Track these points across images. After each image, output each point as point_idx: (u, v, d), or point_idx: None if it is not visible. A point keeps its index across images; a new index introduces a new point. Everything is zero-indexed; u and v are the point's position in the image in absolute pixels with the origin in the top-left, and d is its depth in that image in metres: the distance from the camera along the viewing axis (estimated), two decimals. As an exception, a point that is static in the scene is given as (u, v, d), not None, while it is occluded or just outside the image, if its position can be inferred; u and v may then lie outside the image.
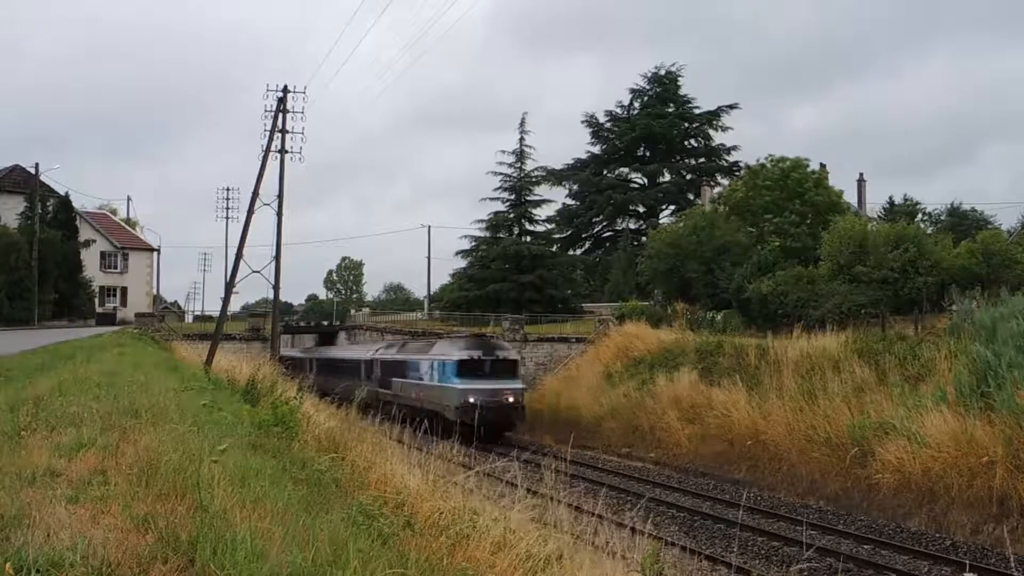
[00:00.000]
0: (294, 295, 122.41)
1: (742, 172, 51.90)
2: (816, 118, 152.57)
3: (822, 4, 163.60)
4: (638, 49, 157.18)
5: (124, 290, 67.32)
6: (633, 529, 11.41)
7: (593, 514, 11.41)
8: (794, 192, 41.76)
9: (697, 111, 70.15)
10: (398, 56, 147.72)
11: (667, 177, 69.31)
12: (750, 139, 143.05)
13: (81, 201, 65.82)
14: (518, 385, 33.52)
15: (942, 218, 51.58)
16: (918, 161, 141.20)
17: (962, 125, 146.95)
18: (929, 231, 41.74)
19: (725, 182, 60.82)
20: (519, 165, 60.66)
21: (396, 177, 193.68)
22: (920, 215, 51.85)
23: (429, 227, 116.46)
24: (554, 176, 68.12)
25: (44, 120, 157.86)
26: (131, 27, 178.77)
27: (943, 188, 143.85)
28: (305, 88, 41.83)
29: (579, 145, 73.59)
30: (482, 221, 61.42)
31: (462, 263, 63.72)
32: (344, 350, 56.39)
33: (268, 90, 34.25)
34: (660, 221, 63.47)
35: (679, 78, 70.47)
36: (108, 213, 75.29)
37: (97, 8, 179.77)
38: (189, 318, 75.60)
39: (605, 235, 72.33)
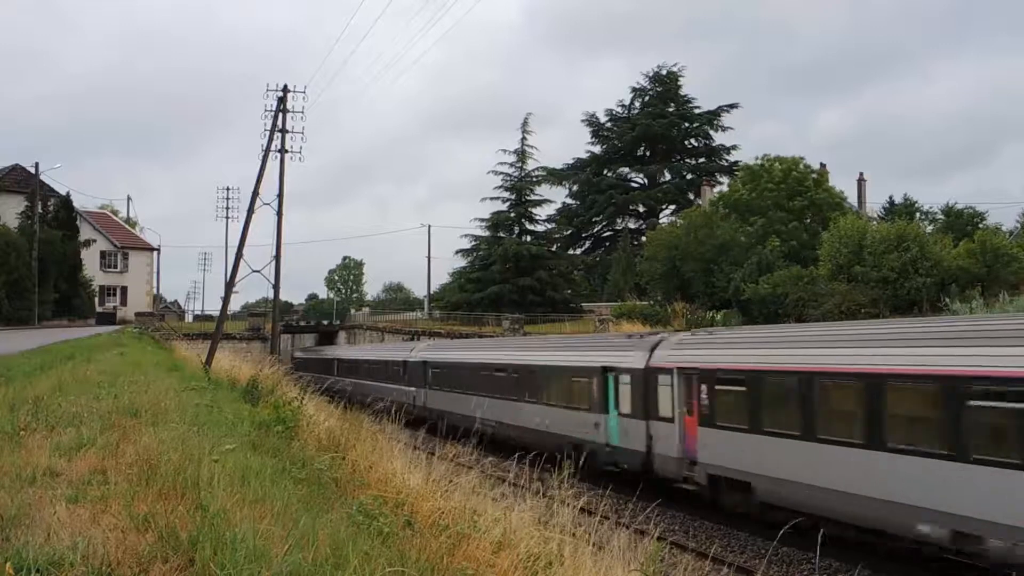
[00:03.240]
0: (294, 295, 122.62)
1: (740, 172, 51.82)
2: (840, 119, 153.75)
3: (853, 7, 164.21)
4: (671, 51, 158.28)
5: (124, 290, 67.33)
6: (635, 529, 11.41)
7: (594, 513, 11.41)
8: (794, 191, 41.76)
9: (697, 111, 70.19)
10: (402, 52, 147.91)
11: (667, 177, 69.31)
12: (772, 139, 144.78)
13: (82, 201, 65.95)
14: None
15: (938, 217, 51.55)
16: (938, 161, 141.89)
17: (985, 126, 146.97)
18: (928, 230, 41.73)
19: (725, 182, 60.82)
20: (520, 165, 60.71)
21: (412, 178, 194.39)
22: (919, 214, 51.81)
23: (429, 227, 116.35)
24: (554, 176, 68.14)
25: (45, 121, 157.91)
26: (134, 29, 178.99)
27: (961, 188, 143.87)
28: (305, 88, 41.95)
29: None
30: (483, 220, 61.47)
31: (462, 263, 63.80)
32: (510, 349, 28.14)
33: (268, 90, 34.35)
34: (660, 221, 63.46)
35: (680, 78, 70.55)
36: (108, 213, 75.30)
37: (104, 11, 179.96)
38: (189, 318, 75.58)
39: (605, 235, 72.33)
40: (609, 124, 71.50)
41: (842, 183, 53.84)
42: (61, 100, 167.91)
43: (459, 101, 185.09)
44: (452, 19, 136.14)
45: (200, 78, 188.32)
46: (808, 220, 41.43)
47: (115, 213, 77.32)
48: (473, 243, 62.08)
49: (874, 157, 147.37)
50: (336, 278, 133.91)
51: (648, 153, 70.32)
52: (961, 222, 46.51)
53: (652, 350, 18.89)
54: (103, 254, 66.27)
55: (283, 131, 34.50)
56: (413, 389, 32.62)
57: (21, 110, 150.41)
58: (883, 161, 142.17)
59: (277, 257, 33.35)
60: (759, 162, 45.20)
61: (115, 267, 67.42)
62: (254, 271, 32.30)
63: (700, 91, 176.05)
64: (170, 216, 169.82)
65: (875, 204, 54.59)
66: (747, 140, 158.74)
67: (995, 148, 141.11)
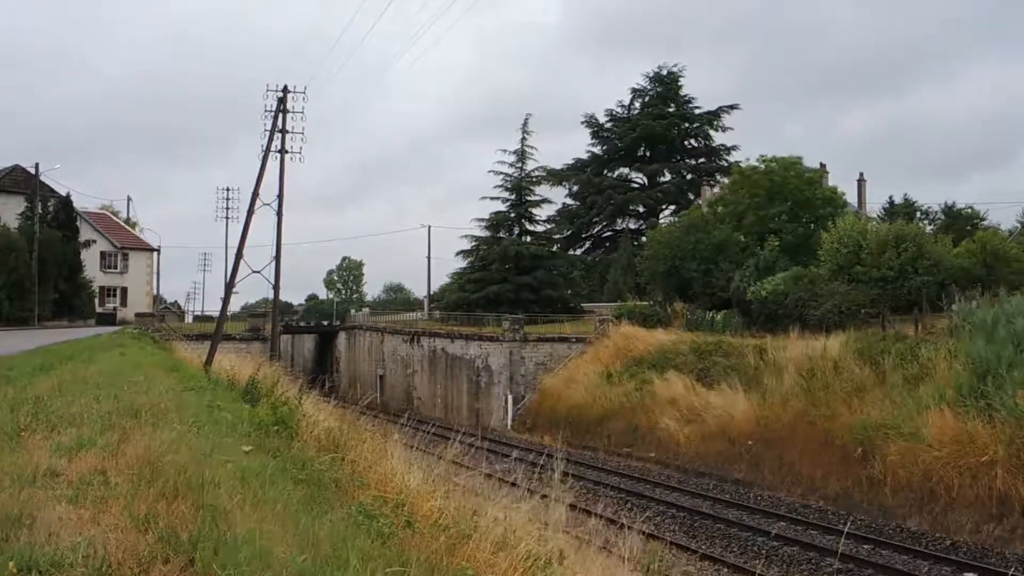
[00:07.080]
0: (294, 295, 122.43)
1: (732, 172, 51.60)
2: (863, 121, 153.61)
3: (879, 11, 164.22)
4: (700, 53, 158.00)
5: (124, 290, 67.31)
6: (632, 528, 11.41)
7: (593, 514, 11.42)
8: (784, 191, 41.51)
9: (697, 111, 70.23)
10: (402, 47, 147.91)
11: (667, 177, 69.30)
12: (794, 141, 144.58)
13: (82, 201, 65.92)
14: None
15: (940, 217, 51.53)
16: (956, 164, 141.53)
17: (1005, 128, 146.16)
18: (928, 230, 41.67)
19: (725, 182, 60.71)
20: (520, 165, 60.74)
21: (430, 179, 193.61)
22: (919, 214, 51.77)
23: (429, 227, 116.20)
24: (554, 176, 68.14)
25: (46, 122, 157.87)
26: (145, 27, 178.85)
27: (980, 190, 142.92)
28: (305, 88, 41.61)
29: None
30: (482, 220, 61.48)
31: (462, 263, 63.80)
32: None
33: (268, 90, 34.22)
34: (660, 221, 63.45)
35: (680, 78, 70.53)
36: (108, 213, 75.29)
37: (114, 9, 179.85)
38: (189, 318, 75.57)
39: (605, 235, 72.32)
40: (609, 124, 71.54)
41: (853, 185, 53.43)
42: (61, 101, 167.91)
43: (483, 103, 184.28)
44: (484, 20, 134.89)
45: (205, 80, 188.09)
46: (804, 219, 41.31)
47: (115, 214, 77.31)
48: (473, 243, 62.11)
49: (892, 159, 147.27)
50: (336, 278, 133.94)
51: (648, 153, 70.29)
52: (960, 222, 46.48)
53: None
54: (103, 255, 66.23)
55: (283, 131, 34.42)
56: None
57: (21, 111, 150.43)
58: (901, 163, 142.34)
59: (277, 258, 33.29)
60: (752, 163, 44.97)
61: (115, 268, 67.38)
62: (254, 272, 32.18)
63: (721, 92, 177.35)
64: (172, 217, 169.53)
65: (882, 206, 54.68)
66: (768, 141, 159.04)
67: (1016, 151, 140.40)
